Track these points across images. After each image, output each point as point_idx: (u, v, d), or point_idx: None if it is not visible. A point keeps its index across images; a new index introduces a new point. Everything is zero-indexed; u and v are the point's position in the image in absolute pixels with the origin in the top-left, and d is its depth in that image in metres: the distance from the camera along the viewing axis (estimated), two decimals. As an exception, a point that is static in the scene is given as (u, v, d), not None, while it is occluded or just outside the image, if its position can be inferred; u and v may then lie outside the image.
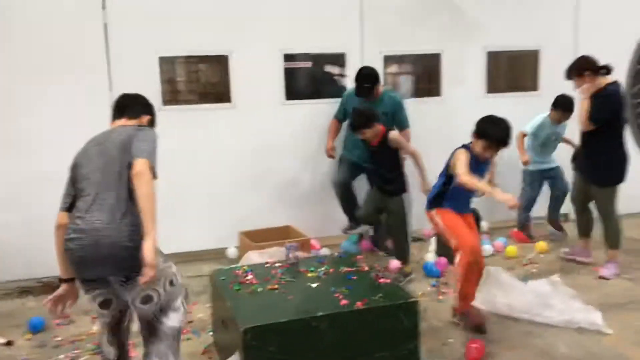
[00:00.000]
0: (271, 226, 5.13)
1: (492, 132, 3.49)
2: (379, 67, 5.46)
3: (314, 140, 5.31)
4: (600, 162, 4.43)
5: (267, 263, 3.64)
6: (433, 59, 5.68)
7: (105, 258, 2.38)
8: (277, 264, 3.56)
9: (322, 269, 3.42)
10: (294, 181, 5.37)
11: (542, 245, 5.13)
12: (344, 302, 2.91)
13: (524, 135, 5.34)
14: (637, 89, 6.23)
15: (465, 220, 3.70)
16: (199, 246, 5.07)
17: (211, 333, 3.56)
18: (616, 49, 5.99)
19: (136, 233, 2.36)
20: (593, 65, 4.32)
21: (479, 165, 3.59)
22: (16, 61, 4.56)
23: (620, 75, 6.11)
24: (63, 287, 2.62)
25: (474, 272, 3.56)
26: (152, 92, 4.82)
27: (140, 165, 2.37)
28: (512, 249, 5.11)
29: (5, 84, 4.56)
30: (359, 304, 2.88)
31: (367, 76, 4.84)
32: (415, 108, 5.43)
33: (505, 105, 5.30)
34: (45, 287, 4.52)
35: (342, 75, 5.46)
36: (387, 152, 4.36)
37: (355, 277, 3.29)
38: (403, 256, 4.52)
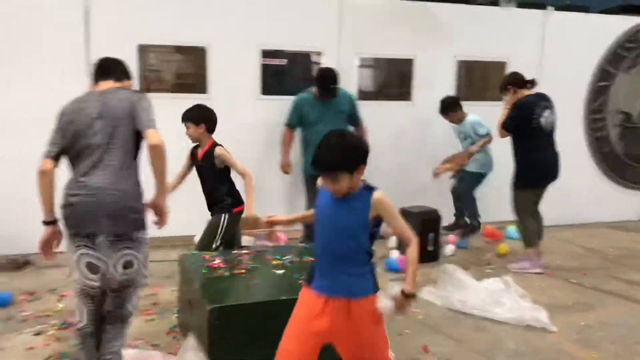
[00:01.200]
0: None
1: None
2: (354, 68, 5.65)
3: (287, 135, 5.45)
4: (515, 166, 4.90)
5: (234, 250, 3.76)
6: (406, 63, 5.88)
7: (108, 215, 2.61)
8: (244, 251, 3.69)
9: (288, 257, 3.57)
10: (264, 174, 5.49)
11: (503, 248, 5.35)
12: (306, 288, 3.06)
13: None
14: (597, 104, 6.53)
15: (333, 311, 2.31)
16: (168, 232, 5.11)
17: (176, 315, 3.67)
18: (577, 64, 6.31)
19: (138, 194, 2.72)
20: (517, 80, 4.88)
21: (337, 206, 2.32)
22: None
23: (580, 89, 6.45)
24: (47, 230, 2.75)
25: None
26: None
27: (155, 136, 2.64)
28: (503, 247, 5.38)
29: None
30: (320, 291, 3.03)
31: (332, 77, 4.95)
32: (385, 111, 5.62)
33: (472, 114, 5.55)
34: (11, 263, 4.57)
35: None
36: (211, 168, 3.95)
37: (318, 267, 3.43)
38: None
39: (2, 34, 4.63)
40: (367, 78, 6.06)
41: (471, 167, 5.54)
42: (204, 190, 4.07)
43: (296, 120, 5.10)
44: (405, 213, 5.09)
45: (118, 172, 2.64)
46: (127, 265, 2.70)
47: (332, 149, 2.26)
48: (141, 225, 2.74)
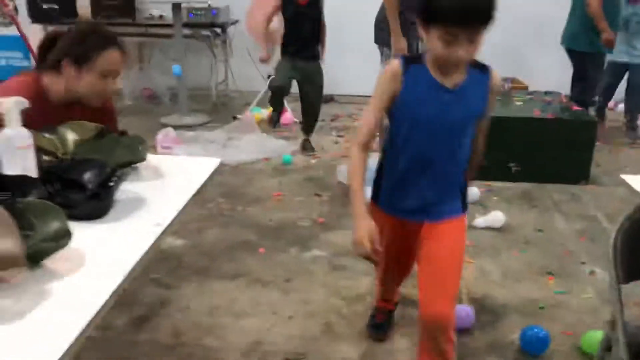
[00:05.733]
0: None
1: None
2: None
3: None
4: None
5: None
6: None
7: None
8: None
9: (529, 96, 4.38)
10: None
11: None
12: (537, 112, 3.90)
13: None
14: None
15: (415, 241, 1.81)
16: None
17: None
18: None
19: None
20: None
21: (444, 93, 1.64)
22: None
23: None
24: None
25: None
26: None
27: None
28: None
29: None
30: (549, 115, 3.84)
31: None
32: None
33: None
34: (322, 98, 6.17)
35: None
36: (315, 13, 4.13)
37: (551, 104, 4.19)
38: (312, 129, 4.48)
39: None
40: None
41: None
42: (299, 36, 4.13)
43: None
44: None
45: None
46: None
47: None
48: None
